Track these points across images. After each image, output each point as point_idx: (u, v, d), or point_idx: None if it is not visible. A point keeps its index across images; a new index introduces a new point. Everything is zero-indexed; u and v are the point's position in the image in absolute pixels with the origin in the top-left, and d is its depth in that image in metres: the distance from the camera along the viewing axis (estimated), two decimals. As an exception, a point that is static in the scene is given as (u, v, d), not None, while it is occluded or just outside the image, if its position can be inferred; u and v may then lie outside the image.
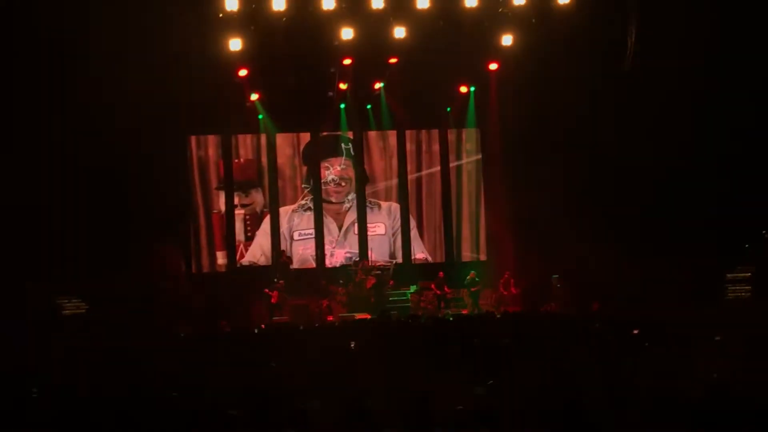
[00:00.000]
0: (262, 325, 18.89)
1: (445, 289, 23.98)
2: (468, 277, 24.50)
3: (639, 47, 22.20)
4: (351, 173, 27.02)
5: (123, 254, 21.91)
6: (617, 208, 22.81)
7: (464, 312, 22.76)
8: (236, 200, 26.42)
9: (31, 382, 8.53)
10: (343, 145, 26.94)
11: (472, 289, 24.28)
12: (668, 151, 21.99)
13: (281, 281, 23.49)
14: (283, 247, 25.96)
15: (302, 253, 26.51)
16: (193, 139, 26.15)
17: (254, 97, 25.02)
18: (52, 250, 20.35)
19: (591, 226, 22.51)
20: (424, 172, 27.36)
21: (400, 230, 26.97)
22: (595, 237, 22.01)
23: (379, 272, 24.55)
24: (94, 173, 21.59)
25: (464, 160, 27.42)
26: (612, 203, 22.96)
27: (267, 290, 23.27)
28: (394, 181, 27.18)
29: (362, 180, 27.00)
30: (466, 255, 27.05)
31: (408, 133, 27.24)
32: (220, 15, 21.49)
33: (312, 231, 26.60)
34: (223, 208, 26.27)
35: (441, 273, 24.31)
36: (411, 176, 27.22)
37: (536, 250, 24.43)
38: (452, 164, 27.36)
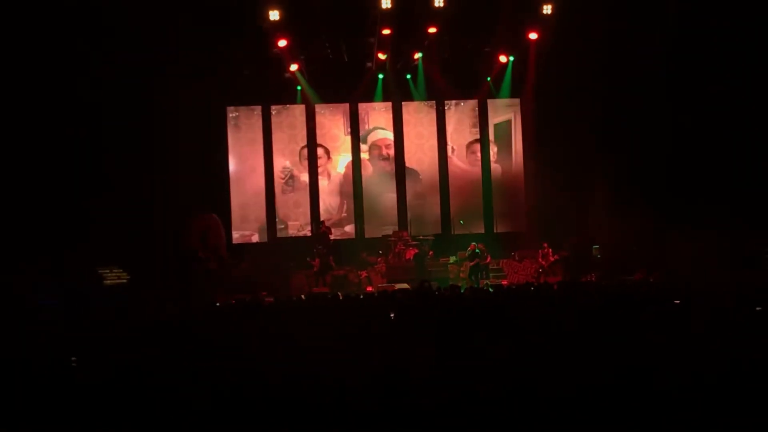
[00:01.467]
0: (302, 296, 18.95)
1: (488, 259, 23.91)
2: (468, 250, 23.97)
3: (680, 19, 21.76)
4: (391, 144, 27.04)
5: (163, 225, 22.07)
6: (659, 178, 22.54)
7: (504, 283, 22.69)
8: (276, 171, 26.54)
9: (71, 351, 8.60)
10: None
11: (470, 264, 23.74)
12: (710, 121, 21.69)
13: (321, 248, 23.64)
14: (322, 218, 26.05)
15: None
16: (232, 109, 26.23)
17: (293, 67, 24.99)
18: (93, 220, 20.49)
19: (632, 196, 22.36)
20: (462, 142, 27.28)
21: (439, 201, 26.93)
22: (636, 207, 21.86)
23: (418, 243, 24.55)
24: (134, 144, 21.70)
25: (503, 130, 27.31)
26: (654, 173, 22.69)
27: (309, 259, 23.49)
28: (434, 152, 27.11)
29: (401, 150, 26.96)
30: (505, 226, 26.91)
31: (447, 103, 27.13)
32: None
33: (351, 201, 26.82)
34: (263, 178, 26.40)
35: (481, 244, 24.19)
36: (450, 146, 27.14)
37: (576, 221, 24.30)
38: (491, 134, 27.24)
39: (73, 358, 8.36)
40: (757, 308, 10.50)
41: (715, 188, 21.39)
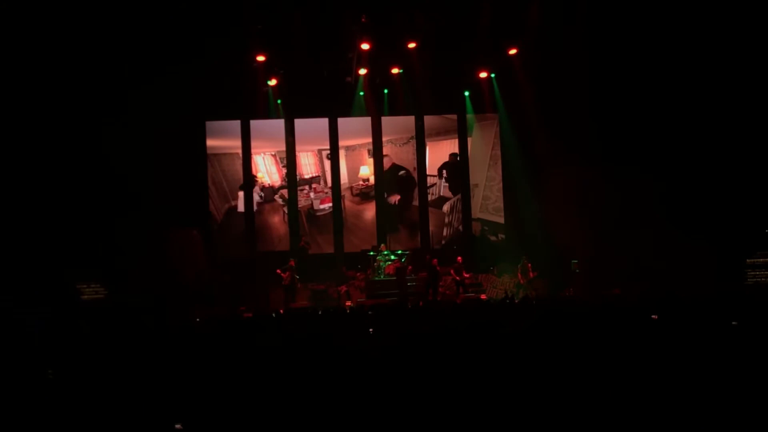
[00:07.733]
0: (281, 310, 18.91)
1: (464, 274, 23.91)
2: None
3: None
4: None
5: (142, 240, 21.99)
6: (638, 193, 22.54)
7: (483, 297, 22.72)
8: (256, 186, 26.52)
9: (48, 365, 8.59)
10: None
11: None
12: (692, 137, 21.75)
13: (291, 261, 23.56)
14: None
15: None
16: (209, 124, 26.18)
17: (272, 82, 24.99)
18: (72, 236, 20.43)
19: (612, 212, 22.40)
20: (443, 158, 27.32)
21: (417, 215, 26.97)
22: (615, 223, 21.92)
23: (397, 258, 24.56)
24: (114, 160, 21.63)
25: (484, 144, 27.37)
26: (632, 189, 22.71)
27: (279, 270, 23.34)
28: (413, 166, 27.15)
29: (380, 163, 27.00)
30: (486, 239, 26.92)
31: (427, 118, 27.18)
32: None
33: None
34: (241, 194, 26.36)
35: (459, 258, 24.24)
36: (430, 162, 27.17)
37: (557, 235, 24.33)
38: (471, 149, 27.30)
39: (49, 371, 8.34)
40: (733, 323, 10.50)
41: (699, 206, 21.44)
